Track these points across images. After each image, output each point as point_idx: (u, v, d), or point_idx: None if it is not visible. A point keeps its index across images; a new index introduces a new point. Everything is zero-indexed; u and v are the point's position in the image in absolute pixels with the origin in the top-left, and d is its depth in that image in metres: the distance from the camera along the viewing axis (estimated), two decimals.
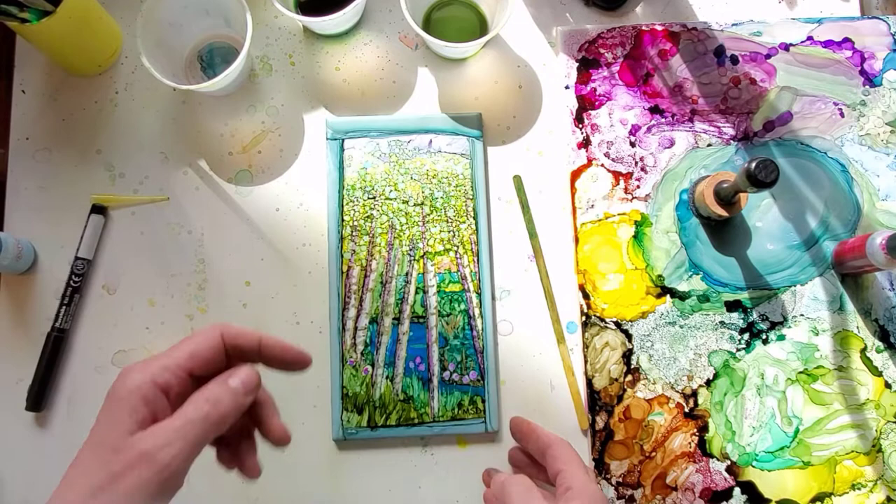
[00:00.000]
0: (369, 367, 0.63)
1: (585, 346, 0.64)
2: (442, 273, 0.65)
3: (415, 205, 0.66)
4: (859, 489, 0.62)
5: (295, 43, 0.70)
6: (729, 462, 0.62)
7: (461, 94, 0.69)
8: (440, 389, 0.63)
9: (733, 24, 0.70)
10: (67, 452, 0.62)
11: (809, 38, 0.70)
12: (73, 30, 0.63)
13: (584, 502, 0.48)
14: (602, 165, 0.67)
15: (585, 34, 0.70)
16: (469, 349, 0.64)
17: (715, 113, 0.68)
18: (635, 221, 0.66)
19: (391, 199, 0.66)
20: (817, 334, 0.65)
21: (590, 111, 0.68)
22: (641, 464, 0.62)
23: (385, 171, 0.67)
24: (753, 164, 0.56)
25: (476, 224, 0.66)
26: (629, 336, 0.64)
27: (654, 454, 0.63)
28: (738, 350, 0.64)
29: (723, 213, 0.63)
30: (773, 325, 0.65)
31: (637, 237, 0.66)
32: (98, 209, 0.66)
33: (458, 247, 0.65)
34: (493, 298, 0.65)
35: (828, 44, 0.69)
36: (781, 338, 0.65)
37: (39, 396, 0.63)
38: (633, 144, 0.68)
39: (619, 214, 0.67)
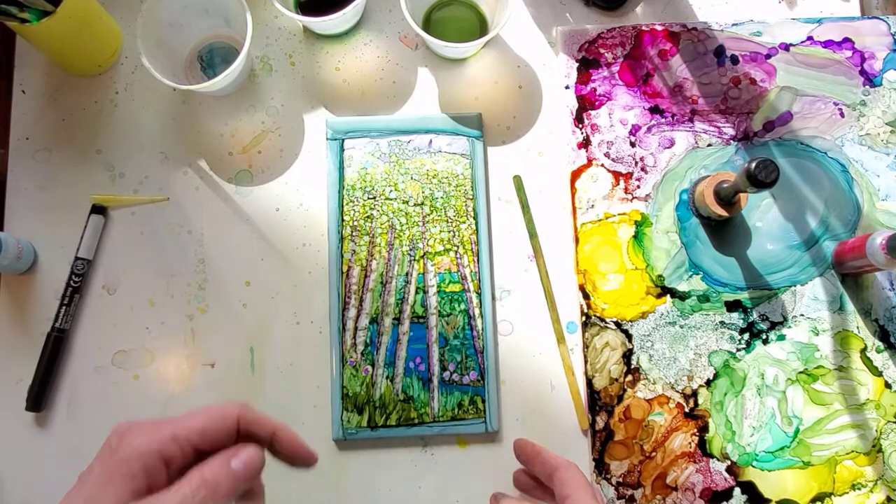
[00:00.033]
0: (369, 367, 0.63)
1: (585, 346, 0.64)
2: (442, 273, 0.65)
3: (415, 205, 0.66)
4: (859, 489, 0.62)
5: (295, 43, 0.70)
6: (729, 462, 0.62)
7: (461, 94, 0.69)
8: (440, 389, 0.63)
9: (733, 24, 0.70)
10: (67, 452, 0.63)
11: (809, 38, 0.70)
12: (73, 30, 0.63)
13: None
14: (602, 165, 0.67)
15: (585, 34, 0.70)
16: (469, 349, 0.64)
17: (715, 113, 0.68)
18: (635, 221, 0.66)
19: (391, 199, 0.66)
20: (817, 334, 0.65)
21: (590, 111, 0.68)
22: (641, 464, 0.62)
23: (385, 171, 0.67)
24: (753, 164, 0.56)
25: (476, 224, 0.66)
26: (629, 336, 0.64)
27: (654, 454, 0.63)
28: (738, 350, 0.64)
29: (723, 213, 0.63)
30: (774, 325, 0.65)
31: (637, 237, 0.66)
32: (98, 209, 0.66)
33: (458, 247, 0.65)
34: (493, 298, 0.65)
35: (828, 44, 0.69)
36: (781, 338, 0.65)
37: (39, 396, 0.63)
38: (633, 144, 0.68)
39: (619, 214, 0.67)
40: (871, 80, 0.69)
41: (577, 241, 0.66)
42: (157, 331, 0.65)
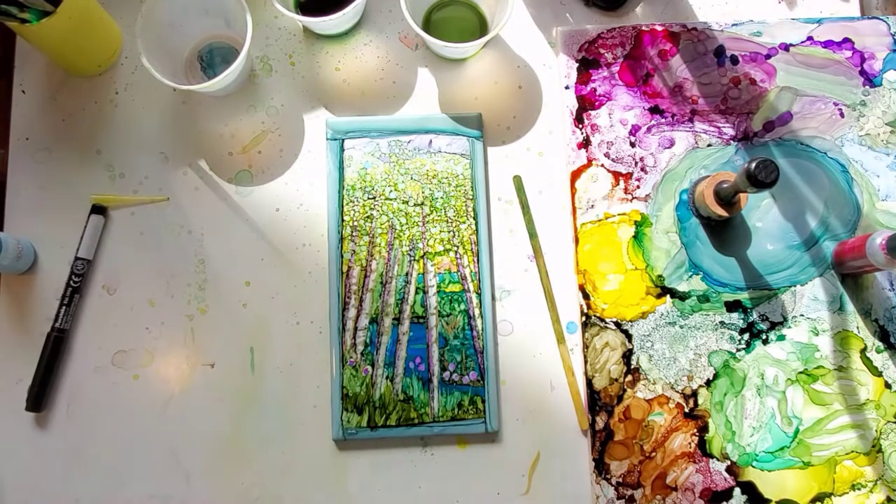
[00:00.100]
0: (369, 368, 0.63)
1: (585, 347, 0.64)
2: (442, 273, 0.65)
3: (415, 205, 0.66)
4: (859, 489, 0.62)
5: (295, 43, 0.70)
6: (729, 462, 0.62)
7: (461, 95, 0.69)
8: (440, 389, 0.63)
9: (733, 25, 0.70)
10: (67, 452, 0.63)
11: (809, 38, 0.70)
12: (73, 30, 0.63)
13: None
14: (602, 165, 0.67)
15: (585, 34, 0.70)
16: (469, 349, 0.64)
17: (715, 113, 0.68)
18: (635, 221, 0.66)
19: (391, 200, 0.66)
20: (817, 334, 0.65)
21: (590, 111, 0.68)
22: (641, 464, 0.62)
23: (385, 171, 0.67)
24: (753, 165, 0.56)
25: (476, 224, 0.66)
26: (629, 336, 0.64)
27: (654, 454, 0.63)
28: (738, 350, 0.64)
29: (723, 213, 0.63)
30: (773, 326, 0.65)
31: (637, 237, 0.66)
32: (98, 209, 0.66)
33: (458, 247, 0.65)
34: (493, 298, 0.65)
35: (828, 44, 0.69)
36: (781, 338, 0.65)
37: (39, 396, 0.63)
38: (633, 144, 0.68)
39: (619, 214, 0.67)
40: (870, 81, 0.69)
41: (577, 241, 0.66)
42: (157, 331, 0.65)
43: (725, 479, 0.62)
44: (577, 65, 0.69)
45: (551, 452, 0.63)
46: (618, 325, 0.65)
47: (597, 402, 0.63)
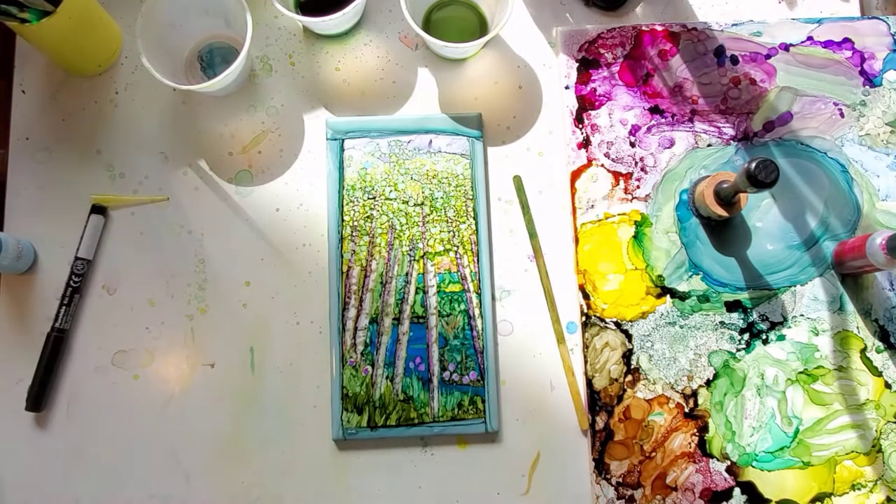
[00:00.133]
0: (369, 368, 0.63)
1: (585, 347, 0.64)
2: (442, 273, 0.65)
3: (415, 205, 0.66)
4: (859, 489, 0.62)
5: (295, 43, 0.70)
6: (729, 462, 0.62)
7: (461, 94, 0.69)
8: (440, 389, 0.63)
9: (733, 25, 0.70)
10: (67, 452, 0.63)
11: (809, 38, 0.70)
12: (73, 30, 0.63)
13: None
14: (602, 165, 0.67)
15: (585, 34, 0.70)
16: (469, 349, 0.64)
17: (715, 113, 0.68)
18: (635, 221, 0.66)
19: (391, 200, 0.66)
20: (817, 334, 0.65)
21: (590, 111, 0.68)
22: (641, 464, 0.62)
23: (385, 171, 0.67)
24: (753, 165, 0.56)
25: (476, 224, 0.66)
26: (629, 336, 0.64)
27: (654, 454, 0.63)
28: (738, 350, 0.64)
29: (723, 213, 0.63)
30: (773, 326, 0.65)
31: (637, 237, 0.66)
32: (98, 209, 0.66)
33: (458, 247, 0.65)
34: (493, 298, 0.65)
35: (828, 44, 0.69)
36: (781, 338, 0.65)
37: (39, 396, 0.63)
38: (633, 144, 0.68)
39: (619, 214, 0.67)
40: (870, 81, 0.69)
41: (577, 241, 0.66)
42: (157, 331, 0.65)
43: (725, 479, 0.62)
44: (577, 65, 0.69)
45: (551, 452, 0.63)
46: (618, 325, 0.65)
47: (597, 402, 0.63)
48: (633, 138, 0.68)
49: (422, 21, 0.69)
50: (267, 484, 0.63)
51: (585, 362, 0.64)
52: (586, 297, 0.65)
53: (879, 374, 0.64)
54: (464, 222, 0.66)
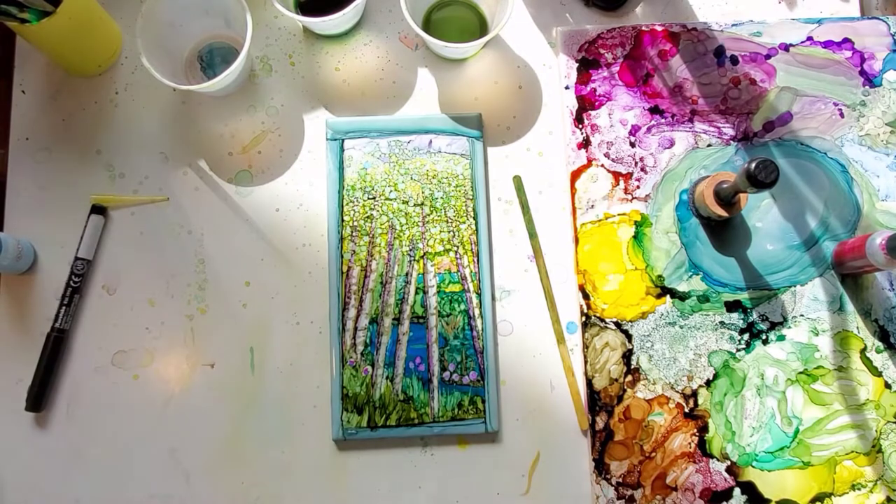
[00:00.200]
0: (369, 368, 0.63)
1: (585, 347, 0.64)
2: (442, 273, 0.65)
3: (415, 205, 0.66)
4: (859, 489, 0.62)
5: (295, 43, 0.70)
6: (729, 462, 0.62)
7: (461, 95, 0.69)
8: (440, 390, 0.63)
9: (733, 25, 0.70)
10: (67, 452, 0.63)
11: (809, 38, 0.70)
12: (73, 30, 0.63)
13: None
14: (602, 166, 0.67)
15: (585, 34, 0.70)
16: (469, 349, 0.64)
17: (715, 113, 0.68)
18: (635, 222, 0.66)
19: (391, 200, 0.66)
20: (817, 334, 0.65)
21: (590, 111, 0.68)
22: (641, 464, 0.62)
23: (385, 171, 0.67)
24: (753, 165, 0.56)
25: (476, 224, 0.66)
26: (629, 336, 0.64)
27: (654, 454, 0.63)
28: (738, 350, 0.64)
29: (723, 213, 0.63)
30: (773, 326, 0.65)
31: (637, 237, 0.66)
32: (98, 209, 0.66)
33: (458, 247, 0.65)
34: (493, 299, 0.65)
35: (828, 44, 0.69)
36: (781, 338, 0.65)
37: (39, 397, 0.63)
38: (633, 145, 0.68)
39: (619, 215, 0.67)
40: (870, 81, 0.69)
41: (576, 241, 0.66)
42: (157, 331, 0.65)
43: (725, 480, 0.62)
44: (577, 65, 0.69)
45: (551, 452, 0.63)
46: (618, 325, 0.65)
47: (597, 402, 0.63)
48: (633, 138, 0.68)
49: (422, 21, 0.69)
50: (267, 484, 0.63)
51: (585, 362, 0.64)
52: (586, 297, 0.65)
53: (879, 374, 0.64)
54: (464, 222, 0.66)
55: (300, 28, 0.71)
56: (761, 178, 0.56)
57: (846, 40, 0.69)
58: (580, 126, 0.68)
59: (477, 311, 0.64)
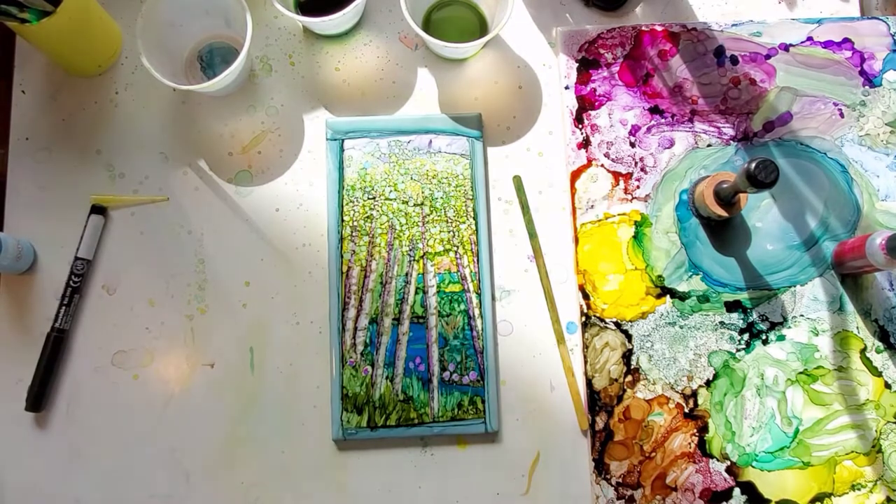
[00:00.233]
0: (369, 368, 0.63)
1: (585, 347, 0.64)
2: (442, 273, 0.65)
3: (415, 205, 0.66)
4: (859, 489, 0.62)
5: (295, 43, 0.70)
6: (729, 462, 0.62)
7: (461, 95, 0.69)
8: (440, 390, 0.63)
9: (733, 25, 0.70)
10: (67, 452, 0.63)
11: (809, 38, 0.70)
12: (73, 30, 0.63)
13: None
14: (602, 166, 0.67)
15: (585, 34, 0.70)
16: (469, 349, 0.64)
17: (715, 113, 0.68)
18: (635, 222, 0.66)
19: (391, 200, 0.66)
20: (817, 335, 0.65)
21: (590, 111, 0.68)
22: (641, 464, 0.62)
23: (385, 171, 0.67)
24: (753, 165, 0.56)
25: (476, 224, 0.66)
26: (629, 336, 0.64)
27: (654, 454, 0.63)
28: (737, 350, 0.64)
29: (723, 213, 0.63)
30: (773, 326, 0.65)
31: (637, 237, 0.66)
32: (98, 209, 0.66)
33: (457, 247, 0.65)
34: (493, 299, 0.65)
35: (827, 44, 0.69)
36: (781, 338, 0.65)
37: (39, 396, 0.63)
38: (632, 145, 0.68)
39: (618, 215, 0.67)
40: (870, 81, 0.69)
41: (576, 241, 0.66)
42: (157, 331, 0.65)
43: (725, 480, 0.62)
44: (577, 65, 0.69)
45: (551, 452, 0.63)
46: (618, 325, 0.65)
47: (597, 402, 0.63)
48: (632, 138, 0.68)
49: (422, 21, 0.69)
50: (267, 484, 0.63)
51: (585, 362, 0.64)
52: (586, 297, 0.65)
53: (879, 375, 0.64)
54: (464, 222, 0.66)
55: (300, 28, 0.71)
56: (761, 178, 0.56)
57: (846, 40, 0.69)
58: (580, 126, 0.68)
59: (477, 311, 0.64)
